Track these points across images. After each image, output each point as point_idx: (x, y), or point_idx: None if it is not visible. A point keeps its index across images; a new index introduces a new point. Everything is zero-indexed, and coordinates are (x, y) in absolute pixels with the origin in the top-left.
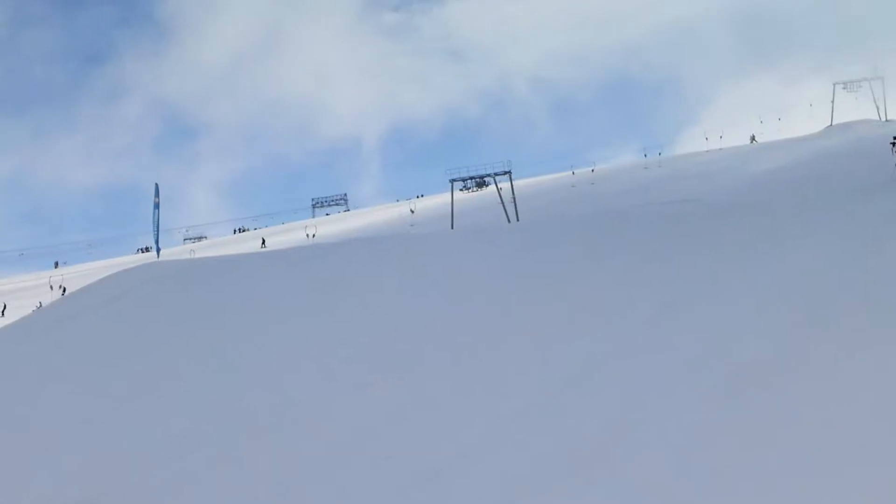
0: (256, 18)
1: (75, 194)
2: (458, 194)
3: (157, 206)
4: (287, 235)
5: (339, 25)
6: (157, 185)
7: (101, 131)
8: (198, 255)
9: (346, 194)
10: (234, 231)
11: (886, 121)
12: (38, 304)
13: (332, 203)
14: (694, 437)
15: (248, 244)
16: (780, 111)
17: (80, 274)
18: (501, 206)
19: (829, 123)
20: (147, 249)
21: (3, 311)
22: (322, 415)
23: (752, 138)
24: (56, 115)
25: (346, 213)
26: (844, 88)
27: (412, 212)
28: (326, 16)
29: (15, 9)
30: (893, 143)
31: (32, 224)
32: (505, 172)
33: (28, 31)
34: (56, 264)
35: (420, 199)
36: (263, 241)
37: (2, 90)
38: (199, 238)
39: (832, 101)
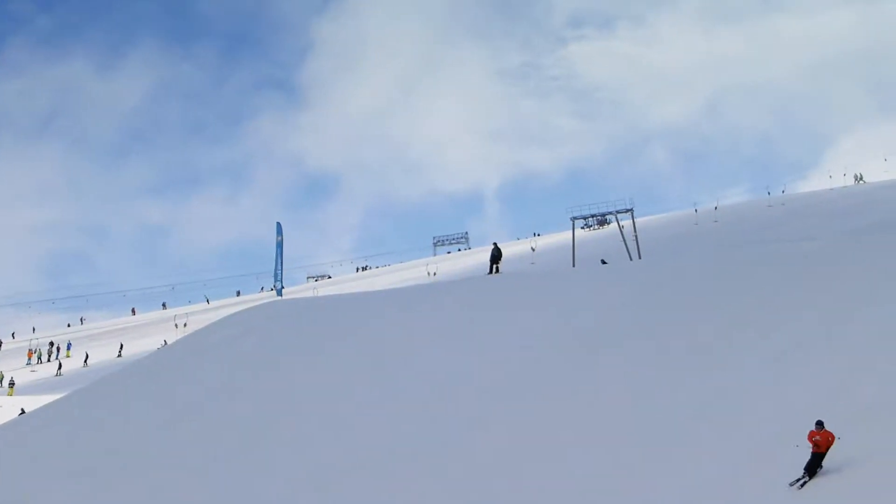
0: (387, 75)
1: (206, 245)
2: (578, 232)
3: (279, 244)
4: (408, 273)
5: (465, 75)
6: (278, 223)
7: (235, 184)
8: (320, 294)
9: (466, 233)
10: (357, 269)
11: None
12: (163, 342)
13: (452, 241)
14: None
15: (367, 281)
16: None
17: (204, 310)
18: (623, 243)
19: None
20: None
21: (120, 352)
22: (428, 449)
23: (859, 177)
24: (194, 169)
25: (467, 251)
26: None
27: (533, 249)
28: (454, 67)
29: (166, 77)
30: None
31: (174, 269)
32: (627, 210)
33: (174, 96)
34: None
35: (537, 237)
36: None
37: (149, 150)
38: (323, 276)
39: None
